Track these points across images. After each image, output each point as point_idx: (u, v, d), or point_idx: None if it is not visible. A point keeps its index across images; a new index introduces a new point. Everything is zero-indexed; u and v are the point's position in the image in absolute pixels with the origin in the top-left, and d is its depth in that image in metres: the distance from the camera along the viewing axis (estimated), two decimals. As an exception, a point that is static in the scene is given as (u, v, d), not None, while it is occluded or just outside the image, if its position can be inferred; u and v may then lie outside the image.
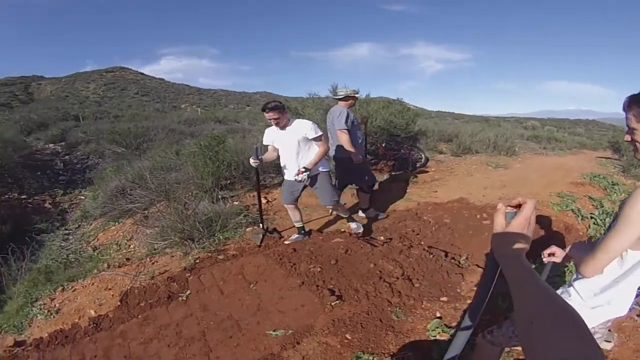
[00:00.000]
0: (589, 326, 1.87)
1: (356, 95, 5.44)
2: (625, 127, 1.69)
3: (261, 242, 5.08)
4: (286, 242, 5.07)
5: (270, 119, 4.47)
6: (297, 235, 5.17)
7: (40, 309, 4.57)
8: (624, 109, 1.64)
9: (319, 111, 8.61)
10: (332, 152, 5.52)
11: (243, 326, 3.46)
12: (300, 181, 4.54)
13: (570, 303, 1.81)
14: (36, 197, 10.71)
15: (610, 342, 2.93)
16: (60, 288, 4.92)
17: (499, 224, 1.02)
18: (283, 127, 4.54)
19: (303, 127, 4.53)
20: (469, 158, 10.69)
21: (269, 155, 4.88)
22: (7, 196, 10.27)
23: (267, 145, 4.84)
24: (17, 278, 5.48)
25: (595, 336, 2.03)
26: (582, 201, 6.45)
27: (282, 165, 4.82)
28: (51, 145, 16.28)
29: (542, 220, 5.53)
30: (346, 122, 5.19)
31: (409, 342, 3.14)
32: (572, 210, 5.99)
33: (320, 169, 4.77)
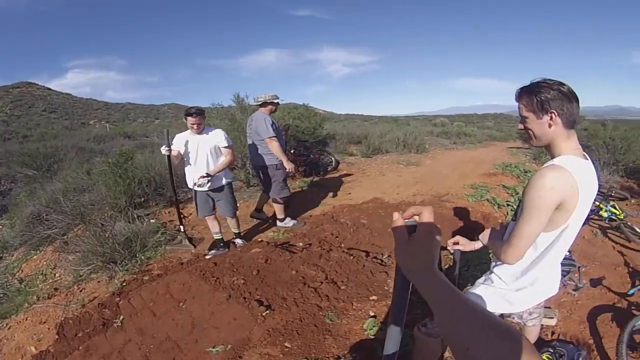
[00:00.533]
0: (523, 308, 2.27)
1: (275, 101, 5.78)
2: (519, 117, 1.99)
3: (192, 244, 5.44)
4: (207, 257, 5.23)
5: (192, 124, 4.79)
6: (215, 251, 5.38)
7: None
8: (516, 100, 1.95)
9: (224, 121, 8.78)
10: (254, 161, 5.90)
11: (183, 346, 3.57)
12: (199, 186, 4.86)
13: (495, 288, 2.24)
14: None
15: (552, 318, 3.30)
16: None
17: (401, 236, 0.93)
18: (200, 133, 4.88)
19: (217, 136, 4.95)
20: (379, 158, 11.46)
21: (174, 160, 5.06)
22: None
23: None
24: None
25: (533, 316, 2.46)
26: (497, 190, 7.27)
27: (189, 173, 5.07)
28: None
29: (460, 212, 6.20)
30: (272, 129, 5.54)
31: (351, 343, 3.42)
32: (488, 199, 6.76)
33: (225, 180, 5.11)
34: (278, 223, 6.25)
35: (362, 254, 5.00)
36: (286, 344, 3.35)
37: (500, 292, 2.22)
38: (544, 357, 2.87)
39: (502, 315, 2.35)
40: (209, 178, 4.82)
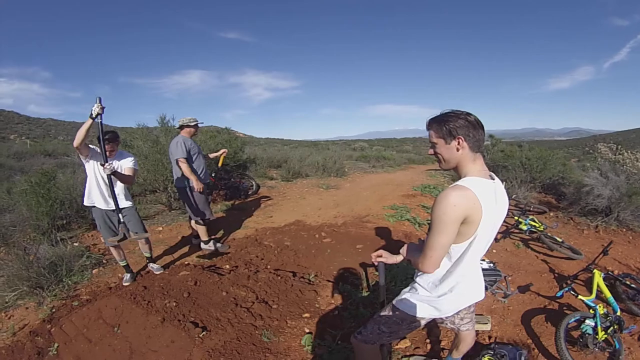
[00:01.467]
0: (450, 313, 2.40)
1: (192, 124, 5.76)
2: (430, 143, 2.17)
3: (124, 239, 4.79)
4: (124, 284, 4.95)
5: (109, 150, 4.48)
6: (127, 275, 5.09)
7: None
8: (427, 128, 2.13)
9: (147, 143, 8.47)
10: (175, 182, 5.82)
11: None
12: (108, 171, 4.36)
13: (419, 295, 2.36)
14: None
15: (486, 323, 3.47)
16: None
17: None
18: (112, 156, 4.59)
19: (126, 161, 4.75)
20: (299, 182, 11.60)
21: (86, 139, 4.38)
22: None
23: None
24: None
25: (465, 321, 2.59)
26: (417, 210, 7.58)
27: (92, 191, 4.70)
28: None
29: (382, 232, 6.43)
30: (183, 150, 5.52)
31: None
32: (408, 219, 7.04)
33: (128, 202, 4.93)
34: (202, 245, 6.09)
35: (289, 274, 5.05)
36: (228, 365, 3.28)
37: (425, 299, 2.36)
38: (485, 358, 3.09)
39: (433, 321, 2.50)
40: (113, 167, 4.43)
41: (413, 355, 3.51)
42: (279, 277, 4.86)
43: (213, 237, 6.27)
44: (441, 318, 2.48)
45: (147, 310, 3.96)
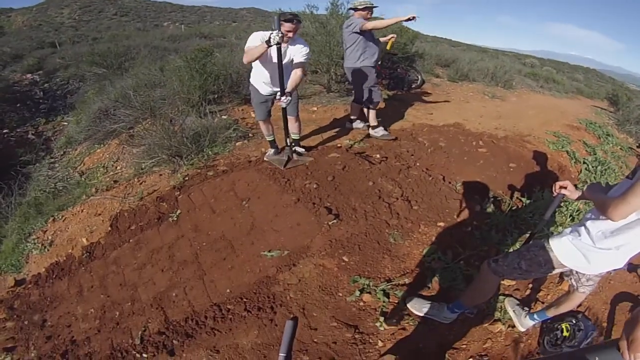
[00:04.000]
0: (596, 272, 2.12)
1: (360, 7, 5.12)
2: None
3: (286, 165, 4.57)
4: (265, 159, 4.76)
5: (288, 31, 3.92)
6: (271, 150, 4.89)
7: (34, 244, 4.54)
8: None
9: (315, 24, 8.03)
10: (346, 63, 5.40)
11: (237, 247, 3.36)
12: (284, 104, 4.06)
13: (580, 242, 2.04)
14: (18, 130, 10.44)
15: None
16: (51, 219, 4.83)
17: None
18: (287, 42, 4.05)
19: (300, 50, 4.14)
20: (465, 85, 10.49)
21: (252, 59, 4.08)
22: (-13, 132, 9.79)
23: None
24: (8, 215, 5.38)
25: (589, 283, 2.29)
26: (577, 145, 6.44)
27: (260, 78, 4.29)
28: (29, 75, 15.47)
29: (539, 157, 5.52)
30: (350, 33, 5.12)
31: (405, 267, 3.14)
32: (567, 152, 5.99)
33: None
34: (370, 131, 5.79)
35: (439, 176, 4.48)
36: (344, 258, 3.11)
37: (583, 247, 2.04)
38: (564, 325, 2.74)
39: (563, 274, 2.33)
40: (290, 97, 4.06)
41: (510, 295, 3.09)
42: (430, 178, 4.31)
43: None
44: (573, 271, 2.26)
45: (283, 188, 3.74)
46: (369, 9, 5.14)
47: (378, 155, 5.06)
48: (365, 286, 2.93)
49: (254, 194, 3.81)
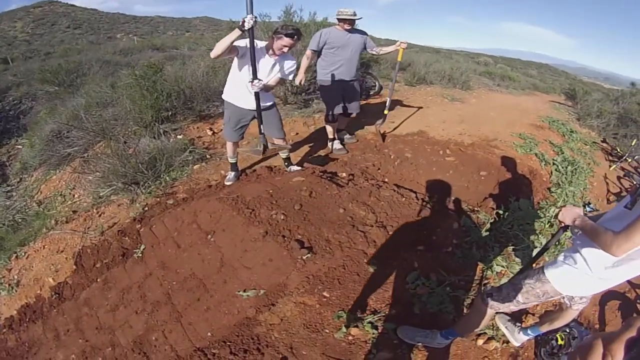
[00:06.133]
0: (589, 294, 2.06)
1: (339, 17, 4.95)
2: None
3: (264, 153, 4.28)
4: (227, 183, 4.56)
5: (284, 46, 3.66)
6: (232, 174, 4.68)
7: (1, 284, 4.43)
8: None
9: (267, 33, 7.69)
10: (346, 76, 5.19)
11: (209, 286, 3.11)
12: (256, 88, 3.65)
13: (577, 270, 1.91)
14: None
15: None
16: (14, 256, 4.68)
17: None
18: (278, 55, 3.81)
19: (287, 66, 3.91)
20: (423, 89, 10.34)
21: (227, 50, 3.59)
22: None
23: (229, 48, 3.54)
24: None
25: (582, 300, 2.18)
26: (544, 145, 6.36)
27: (238, 89, 3.95)
28: None
29: (508, 162, 5.35)
30: (314, 42, 5.02)
31: (390, 296, 2.93)
32: (536, 154, 5.88)
33: (271, 101, 4.25)
34: (329, 144, 5.71)
35: (412, 194, 4.19)
36: (325, 294, 2.84)
37: (581, 276, 1.92)
38: (559, 335, 2.72)
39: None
40: (262, 84, 3.65)
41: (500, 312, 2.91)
42: (403, 198, 4.01)
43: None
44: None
45: (248, 220, 3.39)
46: (344, 20, 4.97)
47: (344, 174, 4.80)
48: (352, 320, 2.71)
49: (218, 226, 3.49)
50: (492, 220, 4.07)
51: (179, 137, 5.96)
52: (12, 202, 6.05)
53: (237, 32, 3.34)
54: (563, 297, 2.20)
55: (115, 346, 3.20)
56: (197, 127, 6.49)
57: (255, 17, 3.30)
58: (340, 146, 5.66)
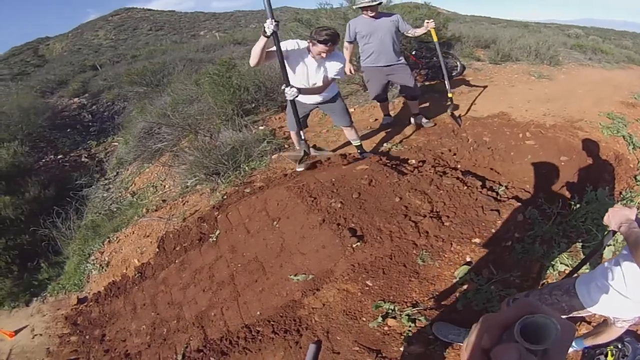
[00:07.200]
0: (624, 317, 1.83)
1: (361, 5, 4.81)
2: None
3: (301, 164, 4.43)
4: (297, 170, 4.66)
5: (320, 52, 3.60)
6: (301, 165, 4.72)
7: (94, 264, 4.98)
8: None
9: (336, 20, 7.59)
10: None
11: (267, 269, 3.40)
12: (289, 96, 3.70)
13: (609, 288, 1.70)
14: (72, 154, 10.85)
15: None
16: (107, 240, 5.25)
17: None
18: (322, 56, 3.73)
19: (334, 66, 3.82)
20: (509, 66, 9.63)
21: (264, 57, 3.66)
22: (43, 160, 10.40)
23: (271, 50, 3.63)
24: (70, 238, 5.79)
25: (628, 321, 1.91)
26: (634, 126, 5.69)
27: (292, 84, 3.79)
28: (75, 99, 15.85)
29: (591, 146, 4.92)
30: (347, 34, 5.06)
31: (434, 290, 2.93)
32: (624, 136, 5.30)
33: (336, 89, 4.29)
34: (411, 119, 5.80)
35: (477, 183, 3.94)
36: (368, 282, 2.96)
37: (614, 296, 1.69)
38: (609, 350, 2.49)
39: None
40: (296, 93, 3.65)
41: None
42: (465, 187, 3.77)
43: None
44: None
45: (310, 208, 3.55)
46: (366, 8, 4.87)
47: (414, 160, 4.76)
48: (390, 311, 2.78)
49: (283, 213, 3.73)
50: (561, 212, 3.73)
51: (260, 128, 6.24)
52: (109, 194, 6.85)
53: (263, 40, 3.39)
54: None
55: (180, 319, 3.64)
56: (279, 118, 6.70)
57: (277, 22, 3.32)
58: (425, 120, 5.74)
